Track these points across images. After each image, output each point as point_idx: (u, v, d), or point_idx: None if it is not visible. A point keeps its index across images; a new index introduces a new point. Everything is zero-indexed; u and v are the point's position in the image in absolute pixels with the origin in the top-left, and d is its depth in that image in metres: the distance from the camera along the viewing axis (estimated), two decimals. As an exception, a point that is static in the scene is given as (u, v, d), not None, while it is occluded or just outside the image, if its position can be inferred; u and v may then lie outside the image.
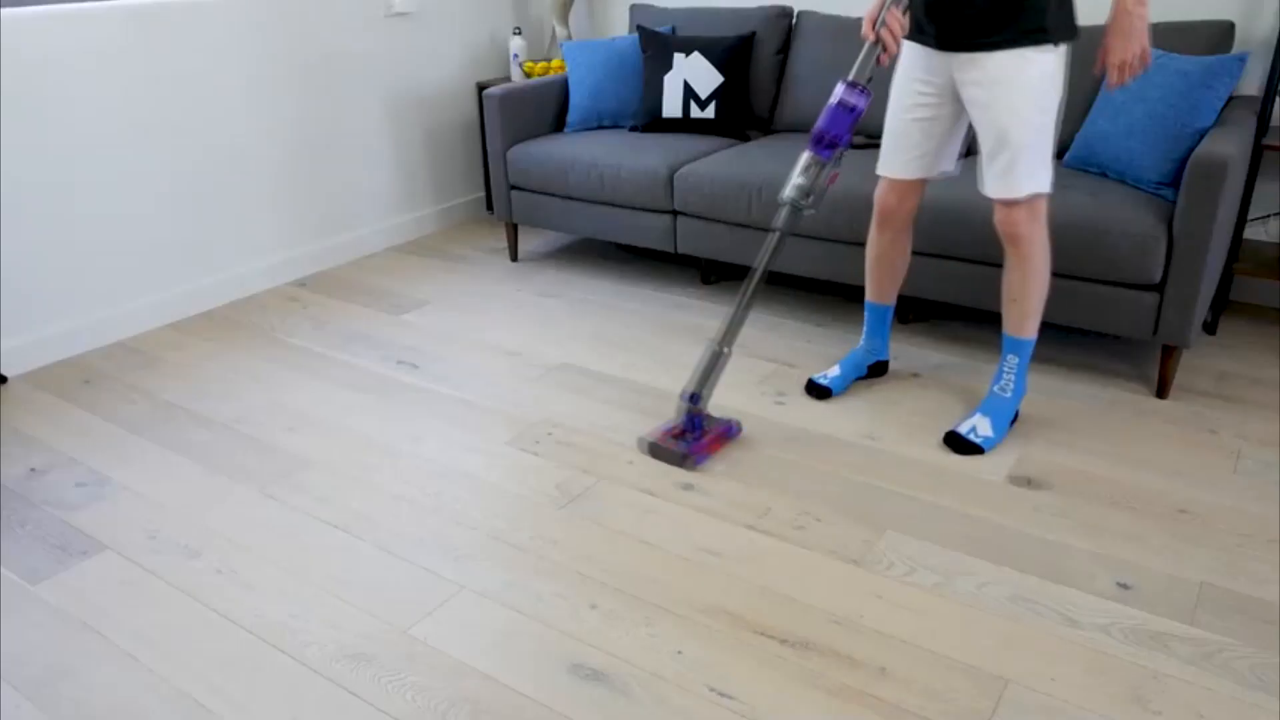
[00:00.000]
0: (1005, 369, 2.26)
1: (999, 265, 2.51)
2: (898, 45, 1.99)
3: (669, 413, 2.42)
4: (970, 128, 2.18)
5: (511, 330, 2.96)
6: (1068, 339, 2.78)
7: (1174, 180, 2.43)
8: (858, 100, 2.01)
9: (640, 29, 3.41)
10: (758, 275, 2.12)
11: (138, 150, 2.92)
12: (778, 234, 2.09)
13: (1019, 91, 1.97)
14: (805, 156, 2.06)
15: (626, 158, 3.10)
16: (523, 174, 3.34)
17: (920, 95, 2.14)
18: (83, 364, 2.81)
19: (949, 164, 2.27)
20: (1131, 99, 2.52)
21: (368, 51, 3.54)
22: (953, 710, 1.49)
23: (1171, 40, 2.68)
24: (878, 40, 1.99)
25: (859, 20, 3.17)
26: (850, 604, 1.73)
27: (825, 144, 2.03)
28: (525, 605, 1.75)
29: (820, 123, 2.03)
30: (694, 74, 3.28)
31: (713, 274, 3.35)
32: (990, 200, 2.11)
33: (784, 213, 2.09)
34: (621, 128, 3.47)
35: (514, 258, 3.60)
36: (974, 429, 2.23)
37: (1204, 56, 2.56)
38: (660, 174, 3.01)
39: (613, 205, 3.18)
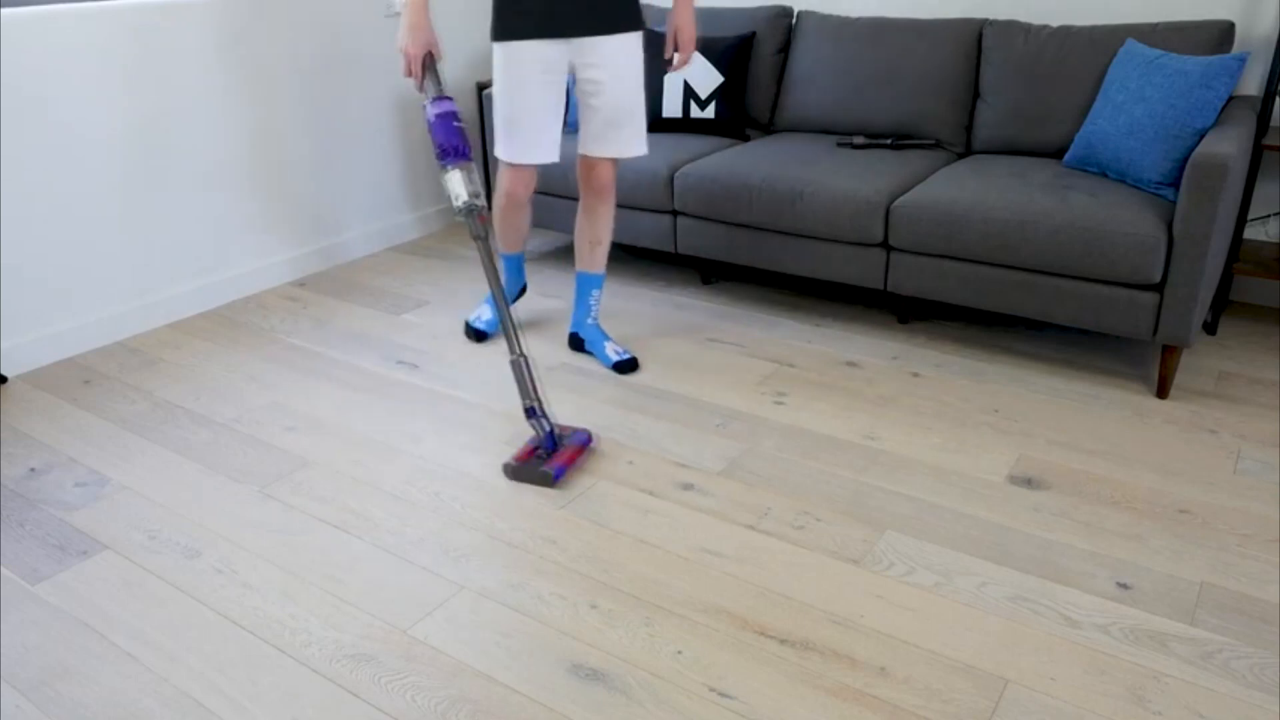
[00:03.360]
0: (593, 301, 2.71)
1: (1000, 266, 2.51)
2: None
3: (669, 412, 2.42)
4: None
5: (511, 330, 2.96)
6: (1068, 339, 2.78)
7: (1174, 180, 2.43)
8: (452, 107, 2.27)
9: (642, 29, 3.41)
10: (496, 281, 2.22)
11: (137, 150, 2.92)
12: (483, 240, 2.21)
13: (635, 72, 2.38)
14: (456, 172, 2.23)
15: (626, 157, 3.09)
16: (523, 174, 3.33)
17: (550, 84, 2.36)
18: (83, 364, 2.81)
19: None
20: (1131, 99, 2.52)
21: (368, 52, 3.54)
22: (953, 710, 1.49)
23: (1171, 40, 2.68)
24: (423, 59, 2.27)
25: (860, 20, 3.17)
26: (850, 604, 1.73)
27: (459, 153, 2.24)
28: (525, 605, 1.75)
29: (440, 141, 2.24)
30: (694, 74, 3.28)
31: (713, 274, 3.35)
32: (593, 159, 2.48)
33: (473, 221, 2.22)
34: (621, 128, 3.47)
35: (514, 258, 3.60)
36: (617, 350, 2.66)
37: (1204, 56, 2.56)
38: (660, 174, 3.01)
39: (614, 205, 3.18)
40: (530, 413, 2.14)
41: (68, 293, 2.84)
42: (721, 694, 1.53)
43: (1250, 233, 2.96)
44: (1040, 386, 2.51)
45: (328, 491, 2.13)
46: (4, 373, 2.73)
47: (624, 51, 2.35)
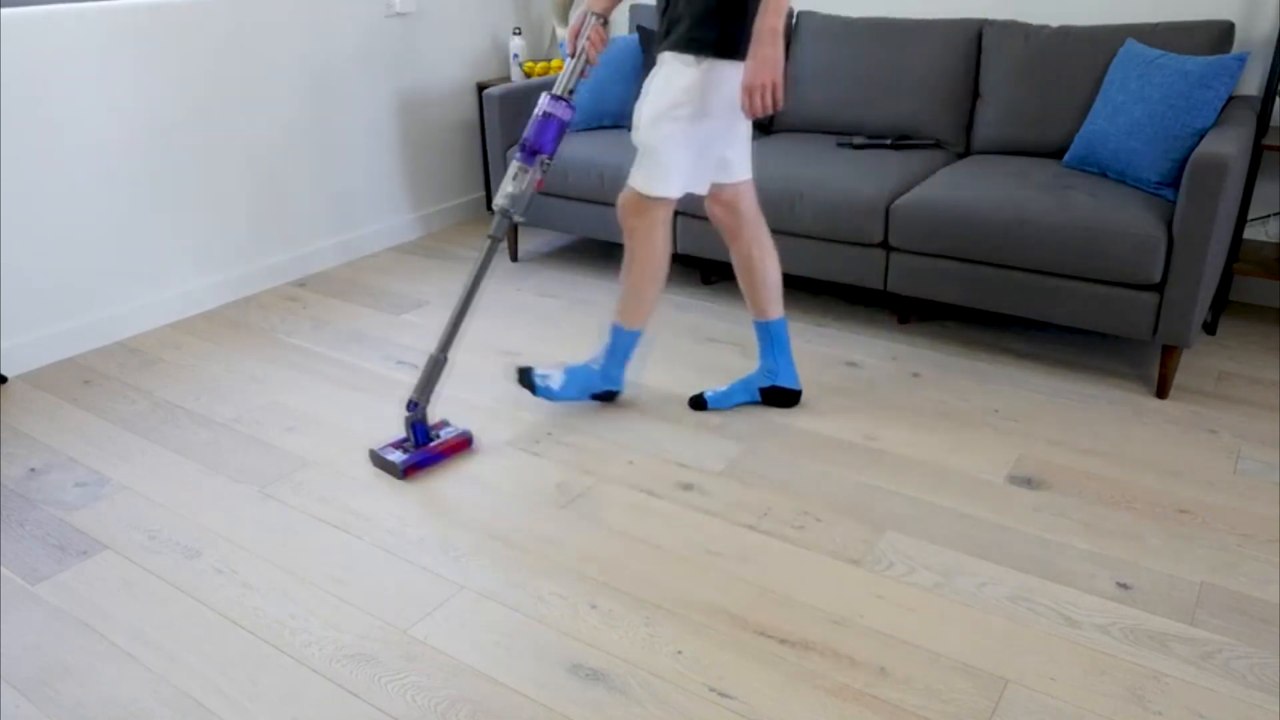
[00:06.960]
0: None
1: (999, 266, 2.51)
2: (597, 59, 2.13)
3: (669, 412, 2.42)
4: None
5: (511, 330, 2.96)
6: (1068, 339, 2.78)
7: (1174, 180, 2.43)
8: (563, 112, 2.08)
9: (640, 29, 3.41)
10: (475, 282, 2.13)
11: (137, 150, 2.92)
12: (492, 240, 2.12)
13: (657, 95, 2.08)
14: (513, 165, 2.10)
15: (626, 158, 3.09)
16: (523, 174, 3.33)
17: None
18: (83, 364, 2.81)
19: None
20: (1131, 99, 2.52)
21: (368, 52, 3.54)
22: (953, 710, 1.49)
23: (1171, 40, 2.68)
24: (580, 54, 2.10)
25: (860, 20, 3.17)
26: (850, 604, 1.73)
27: (529, 151, 2.09)
28: (525, 605, 1.75)
29: (527, 132, 2.09)
30: (694, 74, 3.27)
31: (713, 274, 3.35)
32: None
33: (497, 220, 2.12)
34: (622, 128, 3.47)
35: (514, 258, 3.60)
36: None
37: (1204, 56, 2.56)
38: (660, 174, 3.00)
39: (612, 205, 3.18)
40: (412, 406, 2.16)
41: (68, 293, 2.84)
42: (721, 694, 1.53)
43: (1250, 233, 2.96)
44: (1040, 386, 2.51)
45: (328, 491, 2.13)
46: (4, 373, 2.73)
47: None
